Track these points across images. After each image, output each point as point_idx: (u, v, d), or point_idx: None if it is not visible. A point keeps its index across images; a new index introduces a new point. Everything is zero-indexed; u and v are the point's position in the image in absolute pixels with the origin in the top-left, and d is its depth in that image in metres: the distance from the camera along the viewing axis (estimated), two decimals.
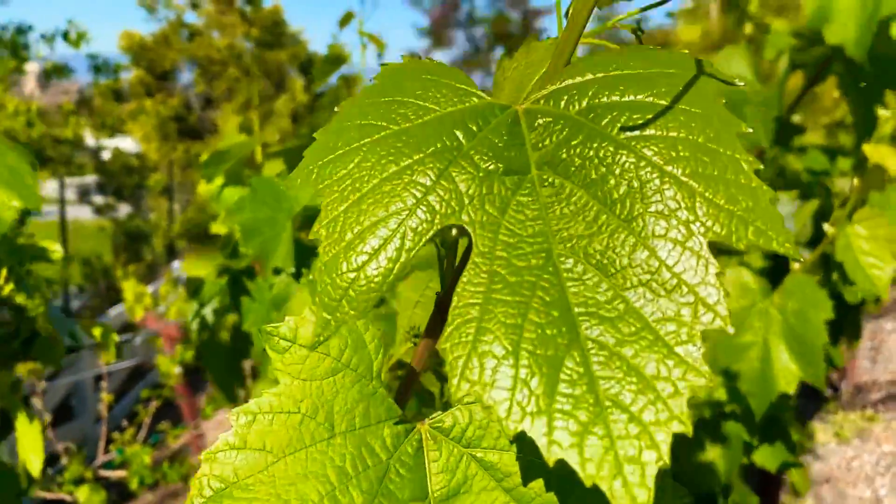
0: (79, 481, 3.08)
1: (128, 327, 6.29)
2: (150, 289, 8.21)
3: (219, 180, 1.32)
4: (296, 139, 1.29)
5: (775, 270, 1.05)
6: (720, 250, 1.17)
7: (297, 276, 1.14)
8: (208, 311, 1.22)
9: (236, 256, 1.22)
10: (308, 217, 1.14)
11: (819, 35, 1.09)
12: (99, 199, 10.56)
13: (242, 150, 1.31)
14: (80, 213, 11.60)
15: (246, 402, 0.39)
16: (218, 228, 1.31)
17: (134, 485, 2.94)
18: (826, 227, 1.01)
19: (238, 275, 1.18)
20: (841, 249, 0.94)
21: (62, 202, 8.85)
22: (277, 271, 1.12)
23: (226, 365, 1.23)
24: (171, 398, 4.66)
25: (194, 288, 1.28)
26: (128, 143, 13.32)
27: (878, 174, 0.96)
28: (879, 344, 6.40)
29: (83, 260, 10.09)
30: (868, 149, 0.96)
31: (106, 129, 8.02)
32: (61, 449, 3.28)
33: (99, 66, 9.62)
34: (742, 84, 0.31)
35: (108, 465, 3.34)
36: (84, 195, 9.85)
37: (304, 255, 1.16)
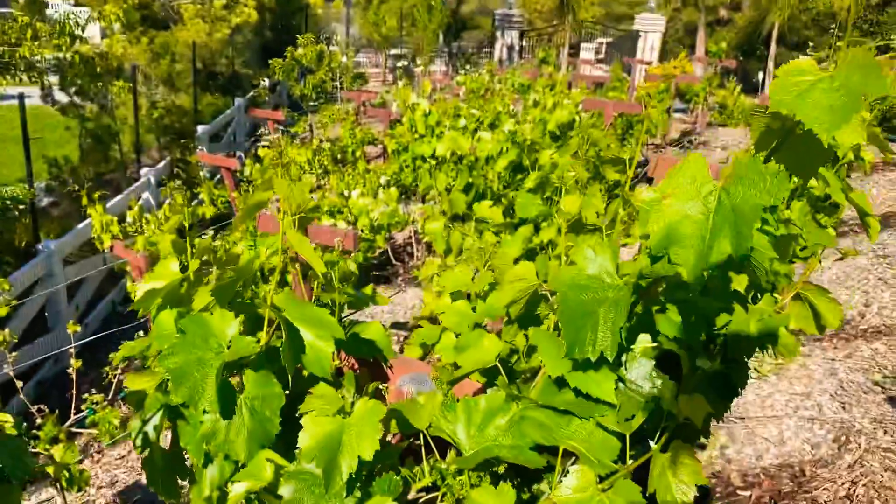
0: (54, 440, 3.36)
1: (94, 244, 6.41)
2: (119, 198, 8.27)
3: (156, 301, 1.48)
4: (218, 281, 1.44)
5: None
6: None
7: (224, 415, 1.35)
8: (150, 428, 1.42)
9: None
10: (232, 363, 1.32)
11: None
12: (62, 97, 10.40)
13: (174, 287, 1.46)
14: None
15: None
16: (146, 382, 1.45)
17: (106, 441, 3.22)
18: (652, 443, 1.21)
19: (174, 406, 1.37)
20: (655, 478, 1.14)
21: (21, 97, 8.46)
22: (206, 411, 1.32)
23: (168, 466, 1.44)
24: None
25: (137, 401, 1.47)
26: (91, 29, 12.90)
27: (699, 404, 1.16)
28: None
29: (50, 162, 10.07)
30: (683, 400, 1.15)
31: (65, 36, 7.83)
32: (35, 410, 3.52)
33: None
34: None
35: (80, 425, 3.61)
36: (47, 96, 9.70)
37: (231, 394, 1.36)
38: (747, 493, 3.80)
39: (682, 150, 12.22)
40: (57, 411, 3.53)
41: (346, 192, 5.97)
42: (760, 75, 19.21)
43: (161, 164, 9.49)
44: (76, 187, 5.66)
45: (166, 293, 1.44)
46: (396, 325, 6.83)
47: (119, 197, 8.07)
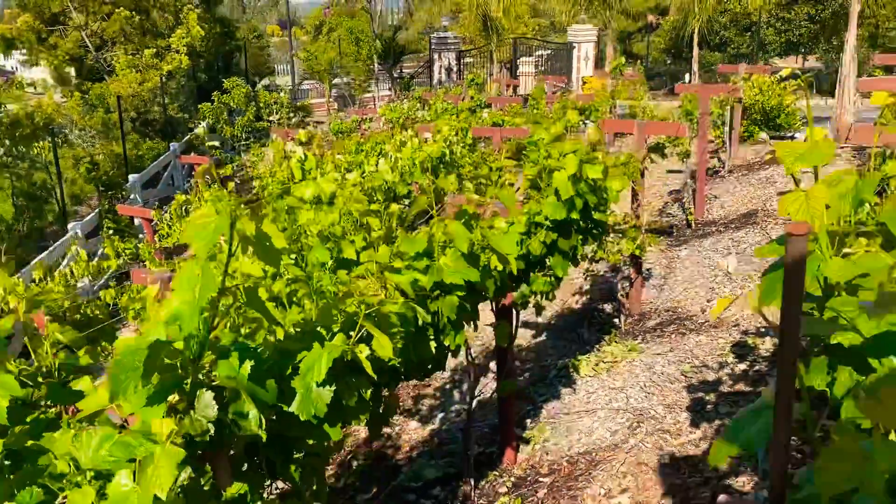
0: None
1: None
2: (45, 254, 8.80)
3: None
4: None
5: None
6: None
7: None
8: None
9: None
10: None
11: None
12: None
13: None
14: None
15: None
16: None
17: None
18: None
19: None
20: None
21: None
22: None
23: None
24: None
25: None
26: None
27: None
28: (670, 272, 7.34)
29: None
30: None
31: None
32: None
33: None
34: None
35: None
36: None
37: None
38: (547, 480, 4.43)
39: None
40: None
41: None
42: (687, 77, 20.03)
43: (88, 217, 10.10)
44: None
45: None
46: None
47: (44, 253, 8.67)
